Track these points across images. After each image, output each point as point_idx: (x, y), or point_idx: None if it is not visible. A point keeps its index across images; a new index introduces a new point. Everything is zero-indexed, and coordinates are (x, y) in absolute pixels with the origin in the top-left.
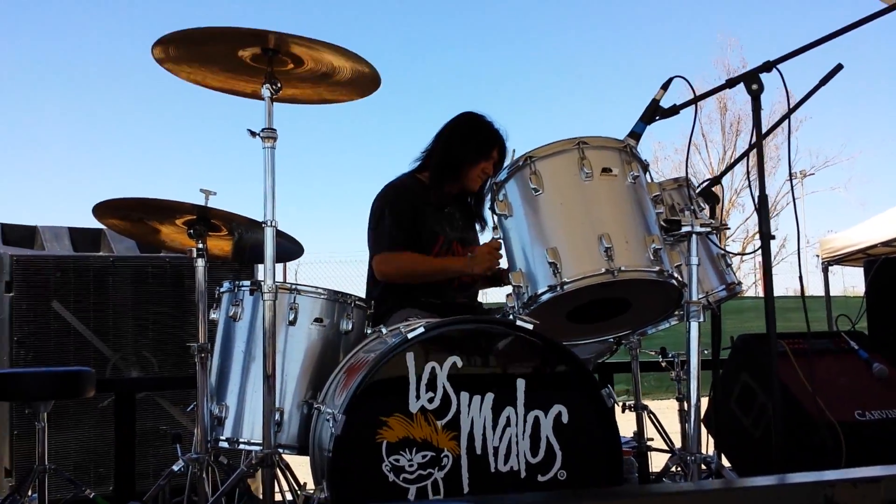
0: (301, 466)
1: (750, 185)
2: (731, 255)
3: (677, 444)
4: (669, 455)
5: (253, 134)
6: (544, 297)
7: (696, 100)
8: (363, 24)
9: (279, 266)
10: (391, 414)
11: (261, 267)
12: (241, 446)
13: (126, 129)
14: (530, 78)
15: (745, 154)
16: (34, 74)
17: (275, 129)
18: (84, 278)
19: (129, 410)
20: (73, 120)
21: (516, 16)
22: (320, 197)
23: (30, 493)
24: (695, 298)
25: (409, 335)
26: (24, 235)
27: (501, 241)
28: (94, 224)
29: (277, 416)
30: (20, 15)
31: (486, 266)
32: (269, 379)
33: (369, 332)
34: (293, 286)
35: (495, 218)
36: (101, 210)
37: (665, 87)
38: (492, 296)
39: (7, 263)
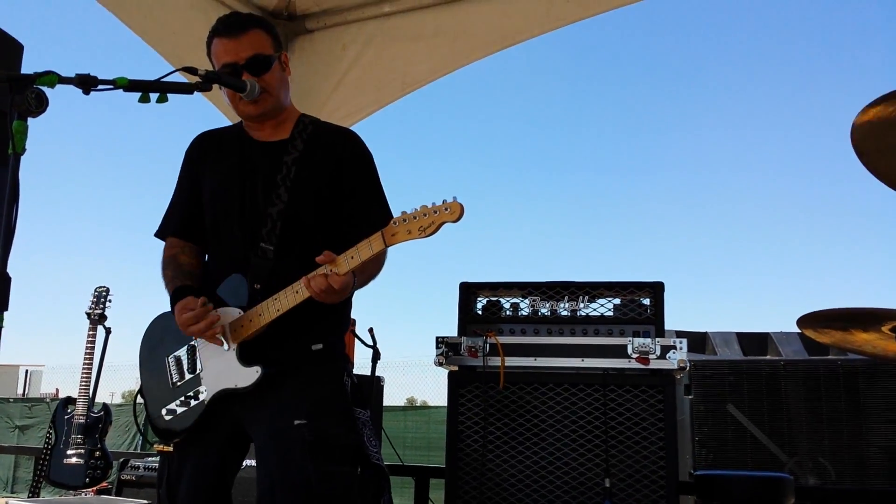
0: None
1: None
2: None
3: None
4: None
5: None
6: None
7: None
8: None
9: None
10: None
11: None
12: None
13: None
14: None
15: None
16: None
17: None
18: (756, 381)
19: None
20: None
21: None
22: None
23: None
24: None
25: None
26: (697, 340)
27: None
28: (756, 328)
29: None
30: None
31: None
32: None
33: None
34: None
35: None
36: (805, 321)
37: None
38: None
39: (686, 368)
